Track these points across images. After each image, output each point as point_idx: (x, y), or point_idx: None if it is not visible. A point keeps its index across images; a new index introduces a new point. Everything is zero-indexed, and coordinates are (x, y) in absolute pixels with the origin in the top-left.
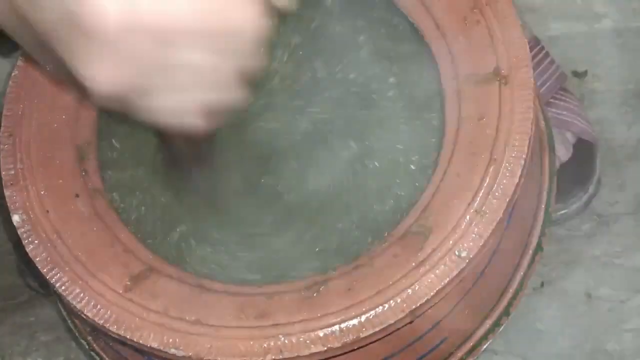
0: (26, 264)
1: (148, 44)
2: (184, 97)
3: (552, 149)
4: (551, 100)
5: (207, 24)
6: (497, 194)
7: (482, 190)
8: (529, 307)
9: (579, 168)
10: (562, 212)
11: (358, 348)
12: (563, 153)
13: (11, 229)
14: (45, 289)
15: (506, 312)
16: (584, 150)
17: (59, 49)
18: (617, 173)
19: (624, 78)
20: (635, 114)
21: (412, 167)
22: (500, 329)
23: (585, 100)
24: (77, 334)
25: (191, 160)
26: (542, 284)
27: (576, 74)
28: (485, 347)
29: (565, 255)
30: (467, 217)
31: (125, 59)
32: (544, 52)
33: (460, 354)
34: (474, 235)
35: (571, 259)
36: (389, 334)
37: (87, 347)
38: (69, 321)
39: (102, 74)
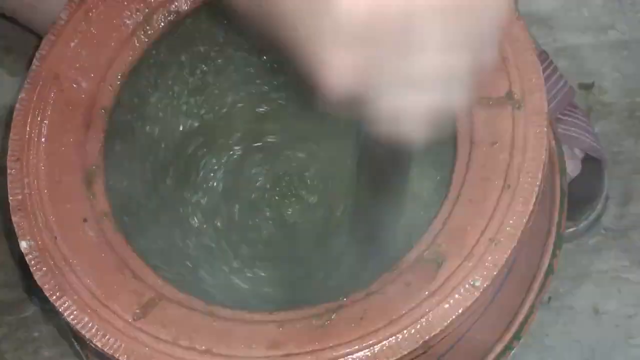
0: (30, 280)
1: (393, 32)
2: (421, 95)
3: (563, 170)
4: (560, 116)
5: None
6: (511, 222)
7: (496, 218)
8: (537, 322)
9: (587, 186)
10: (571, 230)
11: None
12: (572, 169)
13: (15, 244)
14: (49, 305)
15: (517, 337)
16: (592, 168)
17: (295, 38)
18: (624, 186)
19: (631, 90)
20: None
21: (424, 191)
22: (512, 353)
23: (592, 112)
24: (83, 357)
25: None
26: (549, 299)
27: (583, 86)
28: None
29: (573, 269)
30: (481, 245)
31: (369, 46)
32: (552, 66)
33: None
34: (487, 264)
35: (578, 274)
36: None
37: None
38: (76, 344)
39: (342, 64)
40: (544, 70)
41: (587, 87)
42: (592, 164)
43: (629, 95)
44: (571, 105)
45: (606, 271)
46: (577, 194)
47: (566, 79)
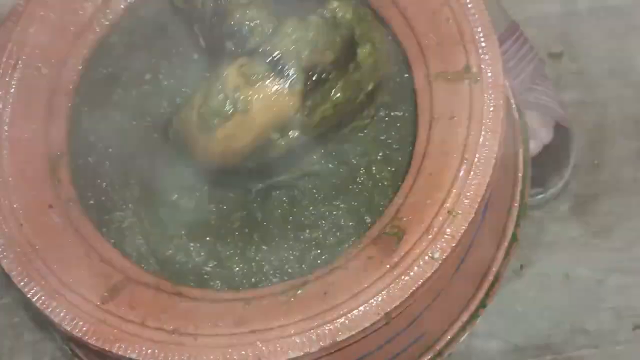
0: None
1: None
2: None
3: (526, 141)
4: (531, 85)
5: None
6: (468, 194)
7: (454, 191)
8: (509, 289)
9: (555, 154)
10: (540, 196)
11: (336, 351)
12: (545, 135)
13: None
14: None
15: (483, 304)
16: (561, 137)
17: None
18: (593, 153)
19: (599, 58)
20: (611, 94)
21: (386, 165)
22: (478, 320)
23: (561, 81)
24: (59, 341)
25: None
26: (521, 267)
27: (552, 55)
28: (462, 338)
29: (544, 237)
30: (440, 217)
31: None
32: (522, 37)
33: (438, 347)
34: (446, 236)
35: (549, 241)
36: (366, 335)
37: (69, 352)
38: (51, 328)
39: None
40: (514, 42)
41: (555, 56)
42: (560, 134)
43: (597, 63)
44: (542, 75)
45: (576, 238)
46: (546, 163)
47: (537, 50)
